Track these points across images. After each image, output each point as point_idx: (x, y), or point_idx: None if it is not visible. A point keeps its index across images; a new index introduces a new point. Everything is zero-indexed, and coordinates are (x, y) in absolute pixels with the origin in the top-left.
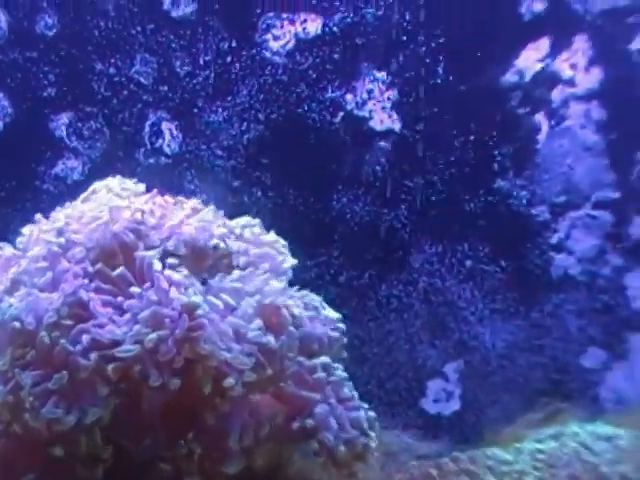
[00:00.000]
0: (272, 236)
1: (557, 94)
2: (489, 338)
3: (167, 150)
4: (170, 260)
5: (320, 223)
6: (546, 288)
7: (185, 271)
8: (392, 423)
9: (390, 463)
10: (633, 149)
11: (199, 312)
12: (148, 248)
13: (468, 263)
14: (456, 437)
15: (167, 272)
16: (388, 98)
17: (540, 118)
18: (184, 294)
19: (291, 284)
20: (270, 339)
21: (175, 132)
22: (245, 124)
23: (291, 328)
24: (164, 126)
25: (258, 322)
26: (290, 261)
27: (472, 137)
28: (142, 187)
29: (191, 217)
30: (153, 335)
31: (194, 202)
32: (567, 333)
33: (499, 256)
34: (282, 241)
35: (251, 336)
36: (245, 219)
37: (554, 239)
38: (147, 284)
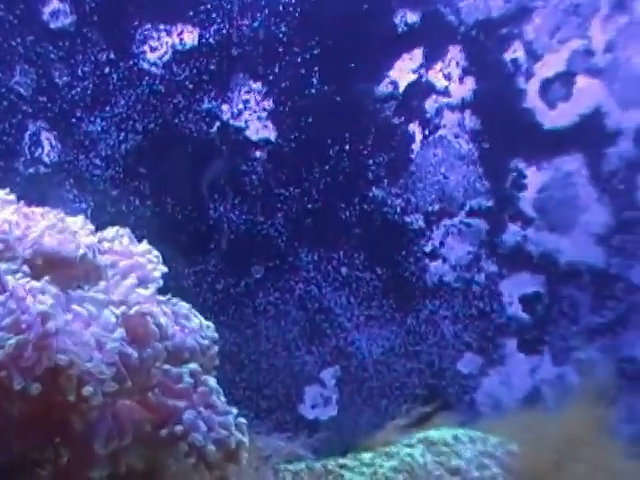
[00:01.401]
0: (144, 246)
1: (431, 104)
2: (365, 344)
3: (46, 160)
4: (29, 269)
5: (198, 231)
6: (421, 295)
7: (44, 280)
8: (270, 428)
9: (264, 467)
10: (506, 157)
11: (52, 322)
12: (11, 259)
13: (344, 270)
14: (333, 442)
15: (23, 281)
16: (264, 108)
17: (414, 128)
18: (40, 302)
19: (165, 292)
20: (132, 350)
21: (54, 142)
22: (123, 134)
23: (156, 339)
24: (43, 136)
25: (120, 332)
26: (160, 269)
27: (347, 146)
28: (12, 197)
29: (56, 227)
30: (12, 340)
31: (60, 213)
32: (443, 339)
33: (374, 263)
34: (155, 251)
35: (112, 346)
36: (115, 229)
37: (429, 247)
38: (7, 293)
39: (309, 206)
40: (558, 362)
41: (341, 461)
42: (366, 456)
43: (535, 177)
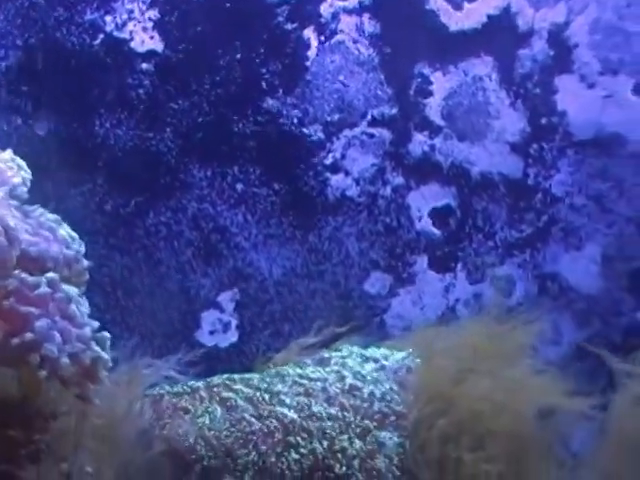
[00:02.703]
0: (6, 154)
1: (326, 8)
2: (265, 265)
3: None
4: None
5: (84, 149)
6: (323, 211)
7: None
8: (164, 356)
9: (140, 390)
10: (410, 62)
11: None
12: None
13: (239, 187)
14: (234, 370)
15: None
16: (149, 18)
17: (309, 33)
18: None
19: (35, 205)
20: None
21: None
22: (2, 50)
23: (2, 240)
24: None
25: None
26: (23, 176)
27: (238, 55)
28: None
29: None
30: None
31: None
32: (348, 257)
33: (272, 179)
34: (18, 160)
35: None
36: None
37: (329, 159)
38: None
39: (200, 119)
40: (473, 280)
41: (227, 382)
42: (254, 377)
43: (441, 82)
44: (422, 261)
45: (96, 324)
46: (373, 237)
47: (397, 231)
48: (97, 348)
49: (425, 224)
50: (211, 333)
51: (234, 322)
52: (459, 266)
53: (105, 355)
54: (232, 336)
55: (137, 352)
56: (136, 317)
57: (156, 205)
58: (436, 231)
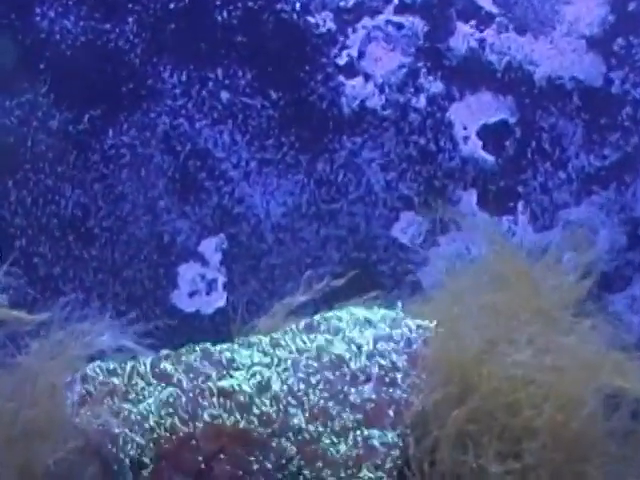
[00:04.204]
0: None
1: None
2: (260, 202)
3: None
4: None
5: (21, 48)
6: (336, 128)
7: None
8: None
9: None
10: None
11: None
12: None
13: (224, 96)
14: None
15: None
16: None
17: None
18: None
19: None
20: None
21: None
22: None
23: None
24: None
25: None
26: None
27: None
28: None
29: None
30: None
31: None
32: (370, 192)
33: (267, 85)
34: None
35: None
36: None
37: (343, 58)
38: None
39: (171, 5)
40: (540, 225)
41: (176, 355)
42: (214, 348)
43: None
44: (470, 198)
45: None
46: (403, 165)
47: (435, 157)
48: None
49: (473, 147)
50: (191, 295)
51: (221, 280)
52: (520, 206)
53: None
54: (219, 299)
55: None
56: (93, 272)
57: (116, 121)
58: (488, 157)
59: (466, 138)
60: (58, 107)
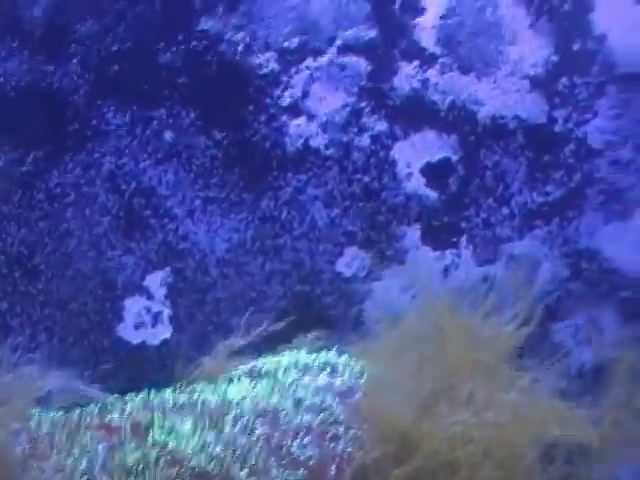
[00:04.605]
0: None
1: None
2: (205, 238)
3: None
4: None
5: None
6: (280, 167)
7: None
8: (81, 356)
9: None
10: None
11: None
12: None
13: (168, 135)
14: (165, 374)
15: None
16: None
17: None
18: None
19: None
20: None
21: None
22: None
23: None
24: None
25: None
26: None
27: None
28: None
29: None
30: None
31: None
32: (314, 229)
33: (211, 124)
34: None
35: None
36: None
37: (287, 99)
38: None
39: (115, 47)
40: (482, 259)
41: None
42: (155, 399)
43: None
44: (413, 233)
45: None
46: (347, 202)
47: (379, 194)
48: None
49: (417, 184)
50: (137, 327)
51: (166, 312)
52: (463, 240)
53: None
54: (164, 331)
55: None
56: (40, 307)
57: (61, 161)
58: (431, 194)
59: (410, 175)
60: (1, 148)
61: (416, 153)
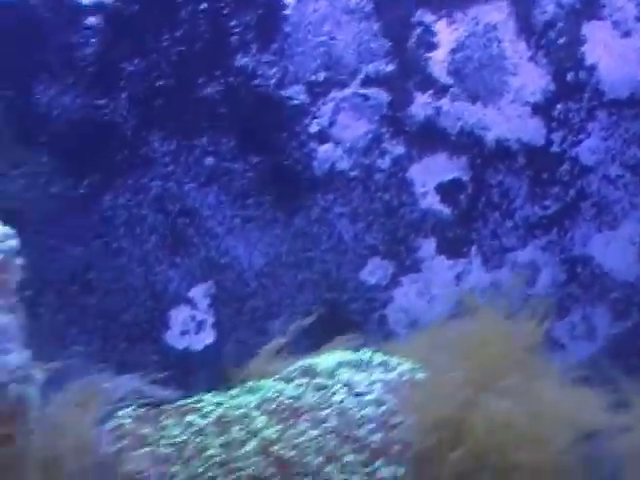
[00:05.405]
0: None
1: None
2: (244, 253)
3: None
4: None
5: (23, 123)
6: (310, 188)
7: None
8: (130, 363)
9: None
10: (409, 8)
11: None
12: None
13: (209, 161)
14: (210, 376)
15: None
16: None
17: None
18: None
19: None
20: None
21: None
22: None
23: None
24: None
25: None
26: None
27: (203, 5)
28: None
29: None
30: None
31: None
32: (341, 242)
33: (248, 151)
34: None
35: None
36: None
37: (315, 127)
38: None
39: (160, 83)
40: (490, 266)
41: (196, 404)
42: (226, 395)
43: (447, 33)
44: (429, 245)
45: (26, 353)
46: (370, 218)
47: (398, 210)
48: (23, 382)
49: (431, 201)
50: (182, 334)
51: (209, 320)
52: (473, 250)
53: (32, 392)
54: (207, 337)
55: (95, 361)
56: (95, 318)
57: (113, 185)
58: (445, 209)
59: (425, 193)
60: (59, 174)
61: (430, 174)
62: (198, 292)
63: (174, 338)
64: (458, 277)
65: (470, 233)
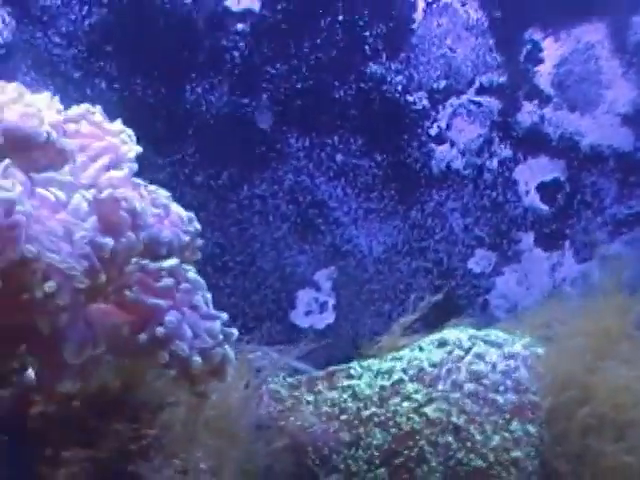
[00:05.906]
0: (117, 125)
1: None
2: (365, 241)
3: None
4: None
5: (173, 117)
6: (427, 184)
7: (7, 162)
8: (259, 339)
9: (253, 381)
10: (520, 27)
11: (19, 208)
12: None
13: (339, 158)
14: (331, 351)
15: None
16: None
17: None
18: (4, 189)
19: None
20: (107, 240)
21: (7, 19)
22: (86, 7)
23: (129, 228)
24: None
25: (93, 220)
26: (135, 149)
27: (340, 17)
28: None
29: (17, 102)
30: None
31: (19, 86)
32: (451, 234)
33: (373, 149)
34: (128, 130)
35: (82, 235)
36: (84, 106)
37: (434, 129)
38: None
39: (298, 85)
40: (581, 258)
41: (344, 370)
42: (373, 362)
43: (553, 49)
44: (528, 238)
45: (225, 316)
46: (478, 212)
47: (503, 206)
48: (226, 346)
49: (532, 199)
50: (307, 314)
51: (331, 302)
52: (567, 244)
53: (231, 353)
54: (329, 317)
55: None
56: (227, 297)
57: (250, 177)
58: (544, 207)
59: (527, 192)
60: (202, 165)
61: (532, 174)
62: (322, 276)
63: (299, 317)
64: (553, 268)
65: (565, 229)
